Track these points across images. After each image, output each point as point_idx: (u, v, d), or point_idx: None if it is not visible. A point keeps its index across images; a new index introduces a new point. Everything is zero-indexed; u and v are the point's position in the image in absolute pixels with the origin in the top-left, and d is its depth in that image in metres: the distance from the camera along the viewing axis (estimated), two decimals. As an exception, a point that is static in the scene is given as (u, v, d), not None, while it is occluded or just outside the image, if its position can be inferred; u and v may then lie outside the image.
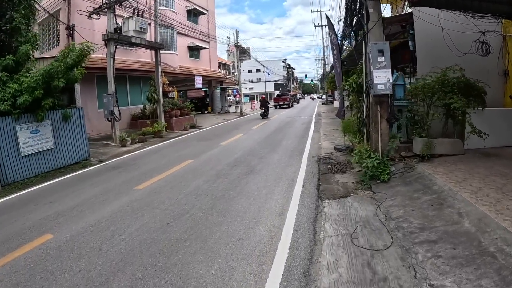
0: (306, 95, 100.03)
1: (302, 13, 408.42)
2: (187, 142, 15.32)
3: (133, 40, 17.77)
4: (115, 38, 16.44)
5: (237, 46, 34.50)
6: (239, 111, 34.02)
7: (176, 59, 28.72)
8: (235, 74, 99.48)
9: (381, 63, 6.76)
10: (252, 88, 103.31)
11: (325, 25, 48.01)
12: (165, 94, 22.74)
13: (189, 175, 8.79)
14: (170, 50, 27.85)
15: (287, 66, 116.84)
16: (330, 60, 51.59)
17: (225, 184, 7.75)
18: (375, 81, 6.84)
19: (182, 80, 31.98)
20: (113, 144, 15.85)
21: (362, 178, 7.32)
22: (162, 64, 25.90)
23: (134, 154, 13.18)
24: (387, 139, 7.42)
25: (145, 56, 24.57)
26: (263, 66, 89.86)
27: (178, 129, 21.06)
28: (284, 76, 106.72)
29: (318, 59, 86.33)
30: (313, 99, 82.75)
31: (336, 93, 39.90)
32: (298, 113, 31.95)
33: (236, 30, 35.13)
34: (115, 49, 16.47)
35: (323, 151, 11.11)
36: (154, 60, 20.88)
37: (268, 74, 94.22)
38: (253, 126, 20.63)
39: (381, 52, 6.84)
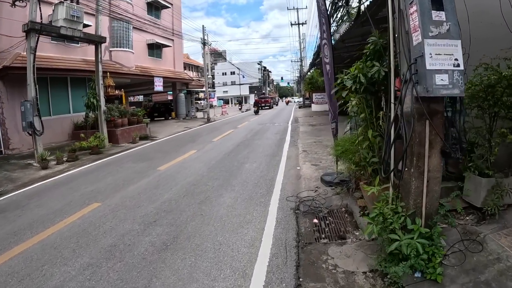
0: (283, 98, 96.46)
1: (279, 17, 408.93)
2: (120, 164, 11.24)
3: (63, 32, 13.77)
4: (37, 28, 12.60)
5: (204, 43, 30.54)
6: (206, 116, 30.09)
7: (132, 58, 24.73)
8: (209, 76, 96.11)
9: (440, 26, 2.98)
10: (226, 91, 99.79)
11: (302, 24, 44.79)
12: (111, 99, 18.61)
13: (56, 256, 4.76)
14: (124, 47, 23.89)
15: (263, 68, 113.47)
16: (307, 63, 48.36)
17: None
18: (428, 65, 2.99)
19: (142, 82, 27.91)
20: (35, 164, 11.97)
21: (382, 264, 3.60)
22: (114, 63, 22.13)
23: (44, 184, 9.22)
24: (438, 191, 3.59)
25: (93, 53, 20.34)
26: (238, 68, 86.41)
27: (124, 141, 17.06)
28: (259, 78, 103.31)
29: (295, 61, 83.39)
30: (288, 102, 78.88)
31: (315, 95, 36.51)
32: (272, 119, 28.23)
33: (203, 25, 31.22)
34: (37, 43, 12.67)
35: (304, 185, 7.34)
36: (104, 58, 17.06)
37: (243, 77, 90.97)
38: (215, 138, 16.73)
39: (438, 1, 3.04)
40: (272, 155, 11.13)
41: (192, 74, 79.02)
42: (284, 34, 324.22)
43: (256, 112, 37.67)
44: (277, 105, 71.81)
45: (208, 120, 29.52)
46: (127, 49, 24.11)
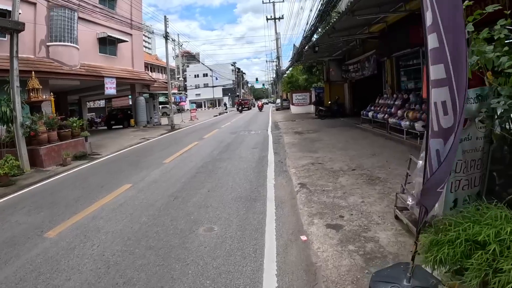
0: (258, 100, 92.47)
1: (252, 19, 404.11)
2: (6, 217, 6.76)
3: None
4: None
5: (166, 37, 26.07)
6: (171, 123, 25.68)
7: (76, 54, 20.09)
8: (180, 79, 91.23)
9: None
10: (199, 94, 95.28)
11: (279, 18, 40.95)
12: (36, 106, 13.97)
13: None
14: (66, 42, 19.20)
15: (237, 70, 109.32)
16: (283, 63, 44.40)
17: None
18: None
19: (94, 86, 23.32)
20: None
21: None
22: (51, 61, 18.51)
23: None
24: None
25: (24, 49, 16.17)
26: (210, 70, 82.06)
27: (53, 162, 12.35)
28: (233, 80, 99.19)
29: (270, 61, 79.41)
30: (261, 107, 73.73)
31: (295, 96, 32.68)
32: (247, 125, 23.88)
33: (165, 16, 26.77)
34: None
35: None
36: (39, 54, 13.24)
37: (216, 79, 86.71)
38: (169, 157, 12.12)
39: None
40: (248, 197, 6.60)
41: (161, 76, 74.24)
42: (258, 36, 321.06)
43: (240, 111, 50.67)
44: (254, 106, 71.08)
45: (172, 127, 25.05)
46: (70, 44, 19.48)
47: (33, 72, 13.81)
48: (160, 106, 54.12)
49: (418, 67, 12.81)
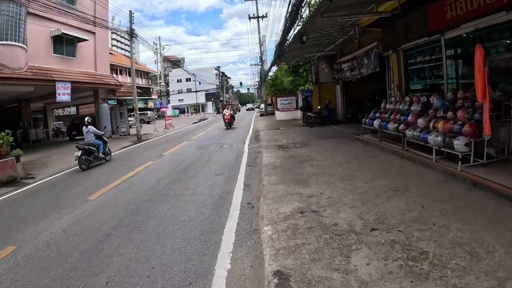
0: (247, 105, 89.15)
1: (238, 25, 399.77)
2: None
3: None
4: None
5: (132, 34, 22.61)
6: (138, 134, 22.24)
7: (23, 55, 16.67)
8: (162, 84, 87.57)
9: None
10: (182, 99, 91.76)
11: (262, 17, 37.80)
12: None
13: None
14: (8, 41, 15.79)
15: (221, 74, 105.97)
16: (268, 66, 41.34)
17: None
18: None
19: (48, 94, 19.84)
20: None
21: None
22: None
23: None
24: None
25: None
26: (193, 74, 78.79)
27: None
28: (217, 85, 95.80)
29: (255, 64, 76.15)
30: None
31: (279, 100, 29.43)
32: (222, 135, 20.50)
33: (130, 10, 23.26)
34: None
35: None
36: None
37: (200, 83, 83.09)
38: (104, 187, 8.81)
39: None
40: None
41: (141, 81, 70.55)
42: (243, 41, 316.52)
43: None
44: (239, 111, 72.07)
45: (139, 139, 21.64)
46: (14, 43, 15.98)
47: None
48: (138, 113, 50.70)
49: (438, 63, 9.72)
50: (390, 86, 12.73)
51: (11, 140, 12.02)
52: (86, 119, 13.21)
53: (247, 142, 15.46)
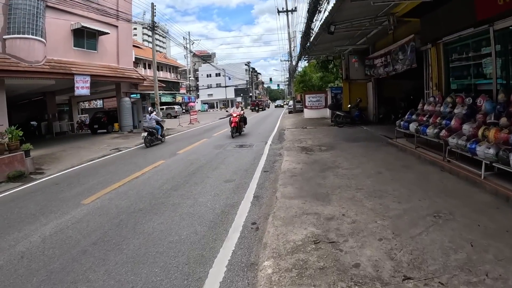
0: (277, 101, 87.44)
1: (269, 21, 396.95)
2: None
3: None
4: None
5: (153, 27, 21.99)
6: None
7: (41, 49, 16.55)
8: (191, 78, 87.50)
9: None
10: (211, 94, 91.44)
11: (291, 11, 36.49)
12: None
13: None
14: (26, 34, 15.61)
15: (251, 69, 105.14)
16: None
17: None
18: None
19: (70, 87, 19.46)
20: None
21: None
22: (5, 57, 15.01)
23: None
24: None
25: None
26: (222, 70, 78.35)
27: None
28: (247, 80, 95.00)
29: (285, 60, 74.58)
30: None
31: (308, 98, 28.16)
32: (246, 132, 19.69)
33: (152, 3, 22.68)
34: None
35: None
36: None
37: (229, 79, 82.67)
38: (104, 189, 8.07)
39: None
40: None
41: (170, 75, 70.62)
42: (274, 38, 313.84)
43: (257, 111, 52.66)
44: (268, 107, 71.16)
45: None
46: (32, 37, 15.84)
47: None
48: (164, 107, 50.54)
49: (486, 59, 8.34)
50: (428, 85, 11.34)
51: (20, 135, 11.63)
52: (149, 108, 17.82)
53: (269, 142, 14.35)
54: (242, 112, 18.09)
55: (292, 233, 4.46)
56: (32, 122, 27.38)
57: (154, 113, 17.15)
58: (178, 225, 5.32)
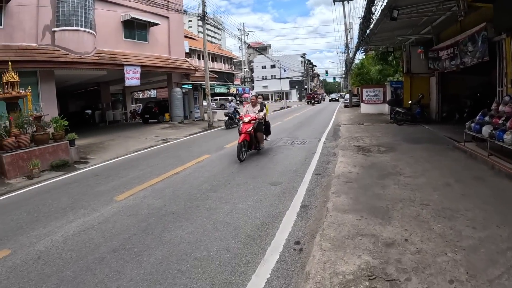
0: (331, 94, 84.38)
1: (325, 12, 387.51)
2: None
3: None
4: None
5: (204, 17, 21.41)
6: (209, 120, 21.29)
7: (90, 40, 16.77)
8: (246, 70, 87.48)
9: None
10: (266, 86, 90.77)
11: (347, 0, 34.80)
12: (12, 103, 10.69)
13: None
14: (75, 26, 15.84)
15: (306, 61, 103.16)
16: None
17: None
18: None
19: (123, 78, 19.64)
20: None
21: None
22: (54, 49, 15.24)
23: None
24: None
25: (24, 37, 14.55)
26: (277, 61, 77.37)
27: (20, 173, 9.63)
28: (302, 72, 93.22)
29: (341, 52, 72.13)
30: (314, 101, 61.12)
31: (365, 92, 26.63)
32: (299, 126, 18.64)
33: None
34: None
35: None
36: (42, 42, 14.64)
37: (284, 71, 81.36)
38: (139, 185, 7.62)
39: None
40: None
41: (224, 66, 70.81)
42: (330, 29, 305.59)
43: (313, 104, 54.84)
44: (324, 100, 70.22)
45: (210, 125, 20.78)
46: (81, 28, 16.05)
47: (9, 62, 10.93)
48: (218, 98, 50.59)
49: None
50: (502, 82, 9.67)
51: (65, 124, 11.62)
52: (230, 98, 24.40)
53: (323, 139, 13.33)
54: (262, 114, 10.45)
55: (342, 262, 3.59)
56: (86, 111, 28.30)
57: (233, 102, 22.20)
58: (210, 237, 4.60)
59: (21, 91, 10.67)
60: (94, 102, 28.26)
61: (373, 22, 12.47)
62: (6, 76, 10.21)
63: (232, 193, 6.58)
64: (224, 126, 19.56)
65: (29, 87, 11.24)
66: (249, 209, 5.63)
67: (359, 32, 16.22)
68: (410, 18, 11.84)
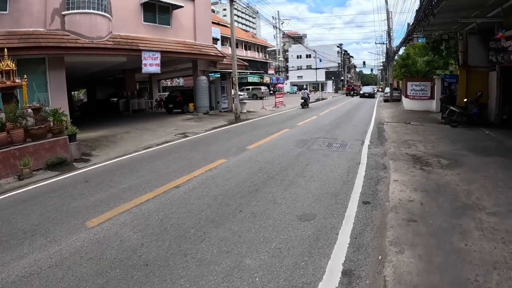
0: (364, 88, 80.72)
1: (362, 2, 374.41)
2: None
3: None
4: None
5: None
6: (236, 112, 19.36)
7: (102, 23, 15.38)
8: (280, 59, 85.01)
9: None
10: (301, 76, 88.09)
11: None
12: (7, 94, 9.61)
13: None
14: (86, 9, 14.61)
15: (343, 52, 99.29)
16: (396, 43, 34.92)
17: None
18: None
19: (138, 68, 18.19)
20: None
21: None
22: (64, 33, 14.04)
23: None
24: None
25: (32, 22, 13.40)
26: (313, 51, 74.39)
27: (11, 173, 8.50)
28: (338, 63, 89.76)
29: (380, 43, 68.14)
30: (353, 93, 59.64)
31: (410, 85, 23.92)
32: (337, 124, 16.14)
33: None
34: None
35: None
36: (51, 26, 13.67)
37: (320, 61, 78.34)
38: (131, 199, 5.82)
39: None
40: None
41: (258, 55, 68.76)
42: (368, 19, 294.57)
43: (352, 95, 55.93)
44: (357, 94, 65.22)
45: (237, 118, 18.81)
46: (93, 11, 14.72)
47: (5, 49, 9.81)
48: (251, 87, 48.80)
49: None
50: None
51: (63, 119, 10.43)
52: (304, 85, 36.78)
53: (366, 142, 11.00)
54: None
55: None
56: (112, 99, 27.33)
57: (307, 90, 31.87)
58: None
59: (17, 81, 9.49)
60: (121, 90, 27.28)
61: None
62: (1, 64, 9.16)
63: (241, 231, 4.55)
64: (300, 106, 27.48)
65: (25, 76, 9.98)
66: (260, 270, 3.58)
67: (417, 11, 13.56)
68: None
